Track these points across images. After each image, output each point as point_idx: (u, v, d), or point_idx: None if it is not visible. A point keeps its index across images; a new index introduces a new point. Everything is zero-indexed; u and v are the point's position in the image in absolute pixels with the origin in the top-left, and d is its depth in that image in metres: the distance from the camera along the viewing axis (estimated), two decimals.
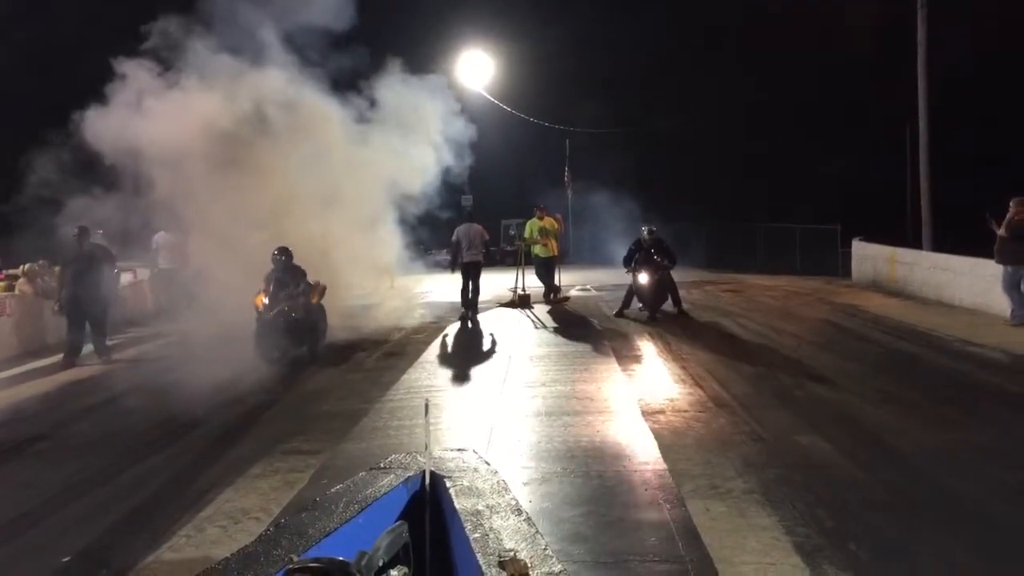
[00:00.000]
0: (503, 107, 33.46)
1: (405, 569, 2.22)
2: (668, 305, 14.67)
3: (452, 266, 16.05)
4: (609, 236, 24.14)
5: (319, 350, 11.68)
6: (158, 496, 5.99)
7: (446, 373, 10.32)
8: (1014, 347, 10.51)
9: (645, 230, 14.86)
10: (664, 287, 14.46)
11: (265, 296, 11.34)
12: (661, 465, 6.15)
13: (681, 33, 38.27)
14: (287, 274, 11.49)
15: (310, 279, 11.84)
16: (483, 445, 6.63)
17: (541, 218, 17.18)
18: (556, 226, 17.44)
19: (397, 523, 2.29)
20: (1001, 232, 12.37)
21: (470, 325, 14.80)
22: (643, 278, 14.36)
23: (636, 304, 14.67)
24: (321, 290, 12.00)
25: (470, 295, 15.74)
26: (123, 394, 9.84)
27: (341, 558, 1.96)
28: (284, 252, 11.63)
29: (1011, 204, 12.44)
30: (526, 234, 17.43)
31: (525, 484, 5.77)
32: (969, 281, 14.66)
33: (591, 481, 5.86)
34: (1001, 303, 12.76)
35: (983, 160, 36.36)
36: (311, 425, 7.80)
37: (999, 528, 4.89)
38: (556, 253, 17.50)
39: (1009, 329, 11.84)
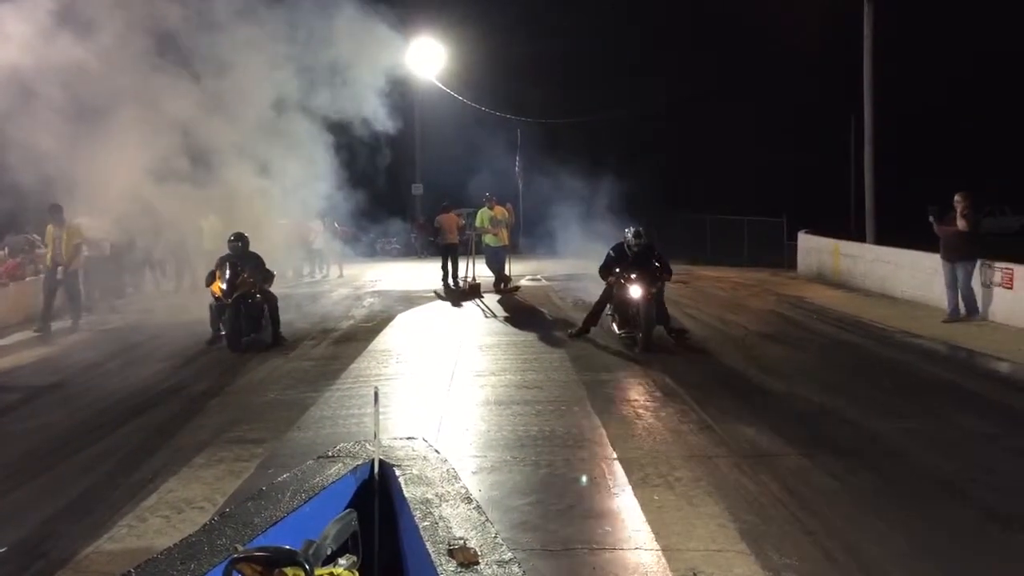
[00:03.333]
0: (454, 96, 33.31)
1: (354, 558, 2.19)
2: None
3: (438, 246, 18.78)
4: (560, 226, 24.14)
5: (281, 334, 11.55)
6: (99, 486, 5.85)
7: (395, 362, 10.24)
8: (954, 339, 10.75)
9: (630, 232, 11.38)
10: (660, 306, 11.08)
11: (222, 281, 11.14)
12: (610, 454, 6.18)
13: (634, 25, 38.43)
14: (244, 260, 11.32)
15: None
16: (433, 434, 6.60)
17: (492, 207, 17.11)
18: (507, 216, 17.39)
19: (346, 511, 2.25)
20: (962, 226, 11.93)
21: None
22: (635, 292, 10.68)
23: (613, 325, 11.32)
24: (271, 277, 11.80)
25: (451, 270, 17.90)
26: (64, 382, 9.60)
27: (288, 547, 1.93)
28: (240, 238, 11.47)
29: (957, 198, 12.13)
30: (477, 223, 17.37)
31: (474, 473, 5.75)
32: (910, 274, 14.95)
33: (540, 470, 5.87)
34: (943, 296, 13.03)
35: (926, 155, 37.24)
36: (257, 414, 7.70)
37: (939, 514, 5.00)
38: (507, 243, 17.46)
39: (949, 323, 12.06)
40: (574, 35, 36.43)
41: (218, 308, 11.29)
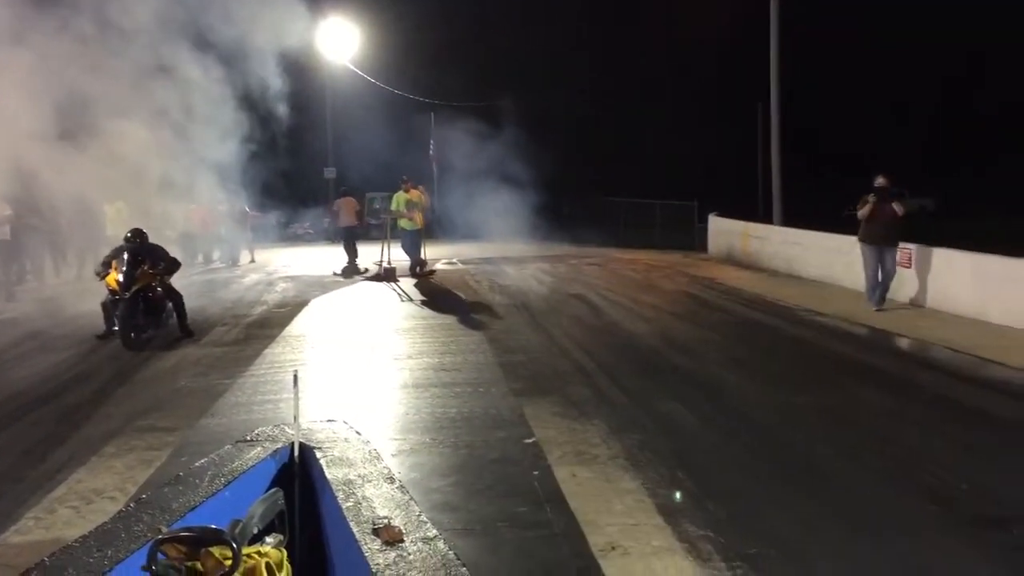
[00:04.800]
0: (367, 78, 32.93)
1: (281, 536, 2.18)
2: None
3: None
4: (474, 210, 24.18)
5: (188, 326, 10.97)
6: (4, 477, 5.63)
7: (311, 347, 10.11)
8: (856, 316, 11.15)
9: None
10: None
11: (118, 273, 10.46)
12: (528, 434, 6.23)
13: (545, 9, 38.51)
14: (144, 251, 10.69)
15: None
16: (351, 418, 6.52)
17: (407, 191, 16.99)
18: (423, 199, 17.30)
19: (272, 490, 2.23)
20: (899, 211, 11.52)
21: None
22: None
23: None
24: (176, 267, 11.25)
25: (350, 250, 18.86)
26: None
27: (214, 526, 1.90)
28: (138, 235, 10.80)
29: (882, 181, 11.69)
30: (393, 206, 17.22)
31: (394, 456, 5.73)
32: (816, 255, 15.44)
33: (459, 451, 5.89)
34: (845, 276, 13.47)
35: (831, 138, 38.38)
36: (167, 402, 7.51)
37: (843, 484, 5.20)
38: (422, 226, 17.38)
39: (851, 300, 12.45)
40: (493, 21, 36.34)
41: (112, 302, 10.49)
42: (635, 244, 25.38)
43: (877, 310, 11.50)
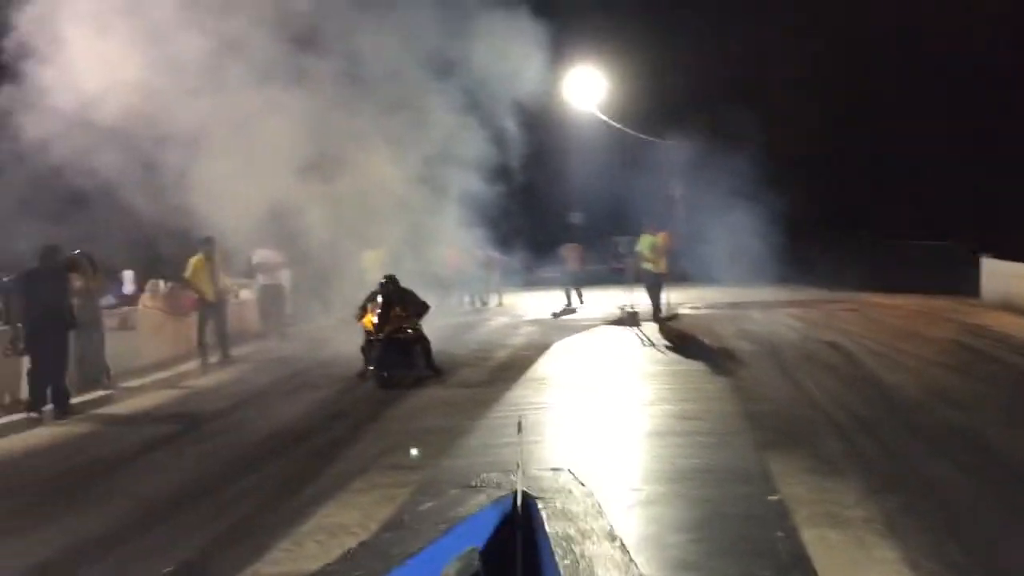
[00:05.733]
0: (612, 124, 33.22)
1: None
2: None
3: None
4: (718, 252, 23.58)
5: (436, 366, 11.39)
6: (262, 508, 6.00)
7: (552, 391, 10.13)
8: None
9: None
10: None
11: (374, 315, 11.22)
12: (773, 490, 5.82)
13: (799, 39, 37.14)
14: (395, 296, 11.36)
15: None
16: (587, 465, 6.40)
17: (653, 234, 16.90)
18: (667, 243, 17.13)
19: (468, 549, 2.12)
20: None
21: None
22: None
23: None
24: (426, 310, 11.77)
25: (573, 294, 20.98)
26: (235, 407, 10.04)
27: None
28: (391, 280, 11.54)
29: None
30: (638, 249, 17.16)
31: (629, 507, 5.51)
32: None
33: (699, 506, 5.57)
34: None
35: None
36: (414, 441, 7.73)
37: None
38: (665, 271, 17.15)
39: None
40: (733, 55, 35.54)
41: (368, 343, 11.21)
42: (895, 288, 23.65)
43: None
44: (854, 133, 34.34)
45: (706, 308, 19.37)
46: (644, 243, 16.91)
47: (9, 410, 9.98)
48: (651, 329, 15.59)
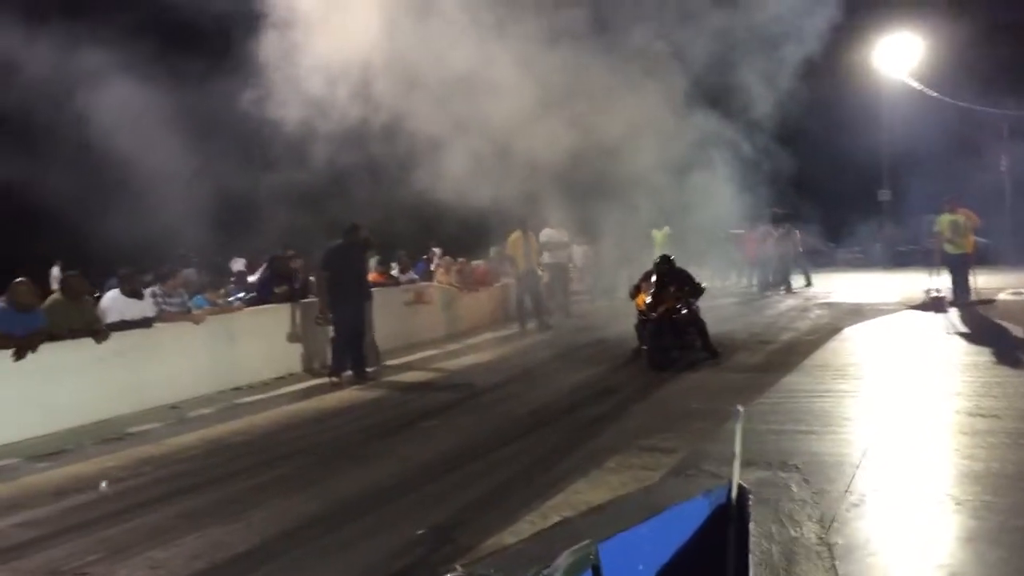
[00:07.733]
0: (929, 93, 30.52)
1: None
2: None
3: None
4: None
5: (713, 347, 11.08)
6: (516, 480, 6.16)
7: (832, 378, 9.46)
8: None
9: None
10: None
11: (647, 295, 11.10)
12: None
13: None
14: (670, 276, 11.17)
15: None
16: (853, 463, 5.91)
17: (952, 211, 15.39)
18: (970, 221, 15.50)
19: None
20: None
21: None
22: None
23: None
24: (700, 292, 11.46)
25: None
26: (510, 380, 10.40)
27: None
28: (666, 260, 11.37)
29: None
30: (936, 229, 15.73)
31: (890, 512, 5.02)
32: None
33: (978, 515, 4.90)
34: None
35: None
36: (674, 423, 7.58)
37: None
38: (970, 251, 15.53)
39: None
40: None
41: (641, 322, 11.13)
42: None
43: None
44: None
45: None
46: (943, 222, 15.45)
47: (317, 375, 11.08)
48: (956, 316, 14.19)
